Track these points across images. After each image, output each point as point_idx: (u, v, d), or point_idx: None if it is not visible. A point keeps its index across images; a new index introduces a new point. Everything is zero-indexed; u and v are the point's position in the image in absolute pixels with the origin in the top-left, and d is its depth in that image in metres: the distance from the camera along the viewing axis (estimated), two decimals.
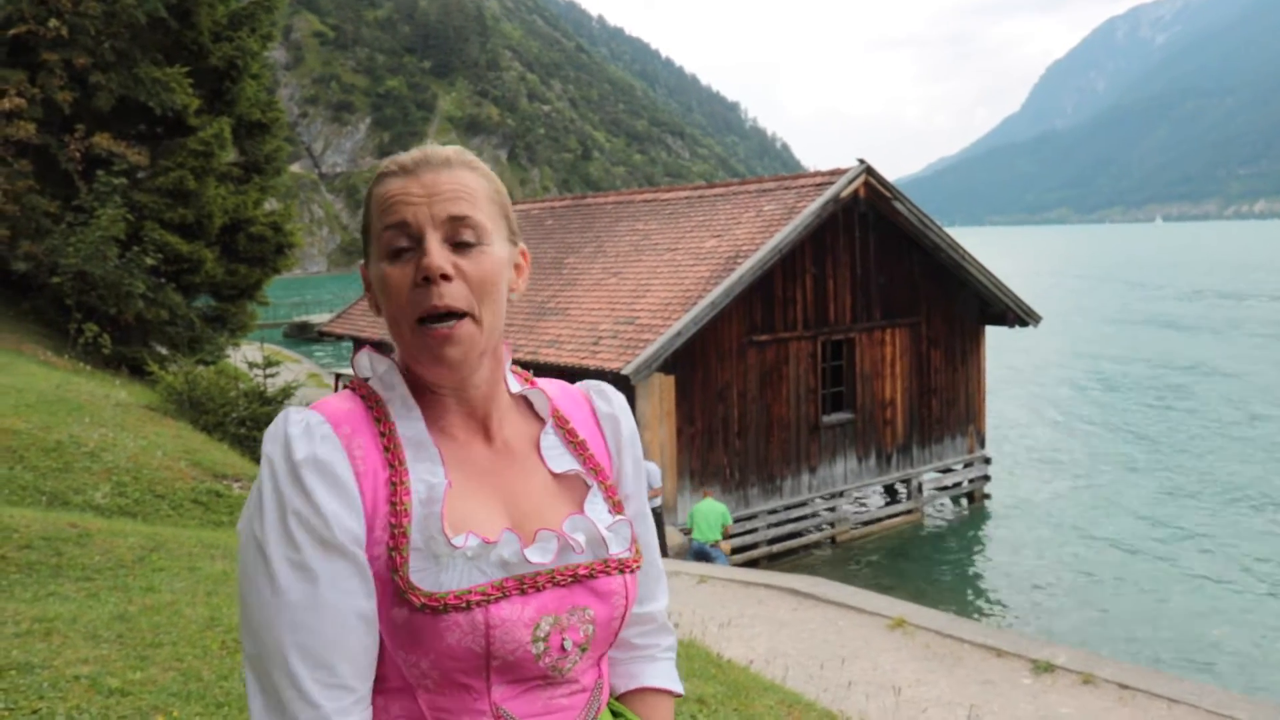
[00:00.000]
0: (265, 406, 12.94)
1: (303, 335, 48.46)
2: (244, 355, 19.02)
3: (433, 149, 1.40)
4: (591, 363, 15.71)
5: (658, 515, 14.49)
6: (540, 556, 1.36)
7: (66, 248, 15.96)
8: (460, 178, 1.38)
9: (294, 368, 32.47)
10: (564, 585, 1.36)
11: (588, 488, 1.49)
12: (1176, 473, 22.90)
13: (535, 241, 22.58)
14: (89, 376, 13.84)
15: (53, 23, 16.45)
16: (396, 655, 1.30)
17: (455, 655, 1.28)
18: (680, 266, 17.31)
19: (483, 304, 1.35)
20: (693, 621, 8.81)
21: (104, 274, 15.96)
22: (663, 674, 1.60)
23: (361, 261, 1.45)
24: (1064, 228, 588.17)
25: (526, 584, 1.33)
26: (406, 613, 1.28)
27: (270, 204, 22.96)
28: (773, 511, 16.98)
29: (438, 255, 1.32)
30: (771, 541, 16.96)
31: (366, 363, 1.43)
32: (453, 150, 1.42)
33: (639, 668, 1.59)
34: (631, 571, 1.45)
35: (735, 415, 16.54)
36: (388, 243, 1.35)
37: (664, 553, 14.46)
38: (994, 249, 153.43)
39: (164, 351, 18.08)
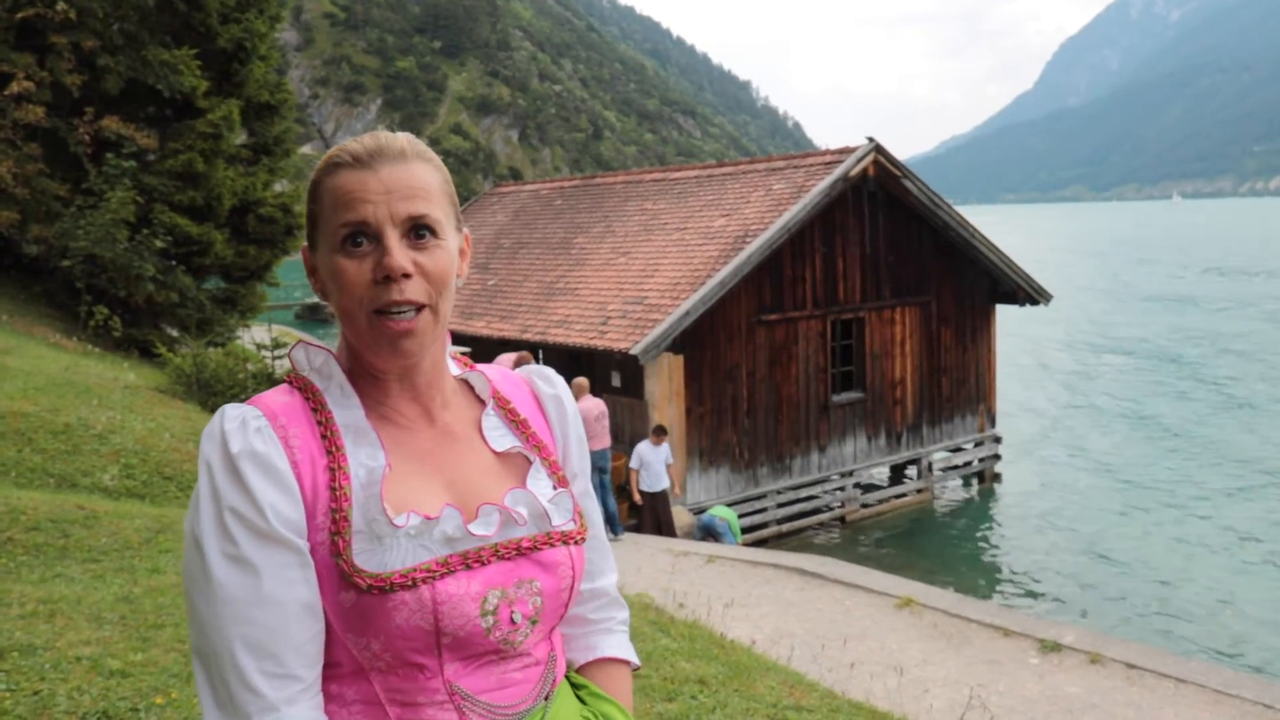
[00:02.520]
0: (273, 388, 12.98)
1: (314, 316, 48.54)
2: (252, 337, 19.05)
3: (386, 137, 1.41)
4: (600, 343, 15.71)
5: (665, 495, 14.50)
6: (483, 530, 1.38)
7: (76, 231, 15.97)
8: (417, 173, 1.39)
9: None
10: (508, 559, 1.39)
11: (530, 464, 1.51)
12: (1190, 452, 22.82)
13: (544, 222, 22.56)
14: (98, 359, 13.88)
15: (61, 5, 16.40)
16: (346, 639, 1.31)
17: (405, 635, 1.30)
18: (689, 246, 17.27)
19: (439, 296, 1.39)
20: (698, 601, 8.81)
21: (114, 257, 15.97)
22: (620, 645, 1.64)
23: (304, 245, 1.46)
24: (1077, 205, 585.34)
25: (471, 559, 1.35)
26: (354, 595, 1.29)
27: (280, 185, 22.97)
28: (782, 491, 16.98)
29: (399, 255, 1.34)
30: (781, 521, 16.96)
31: (303, 357, 1.46)
32: (405, 140, 1.43)
33: (596, 640, 1.63)
34: (576, 543, 1.48)
35: (744, 395, 16.53)
36: (344, 238, 1.36)
37: (672, 533, 14.47)
38: (1006, 227, 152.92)
39: (174, 334, 18.10)
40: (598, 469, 13.66)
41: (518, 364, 12.91)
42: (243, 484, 1.28)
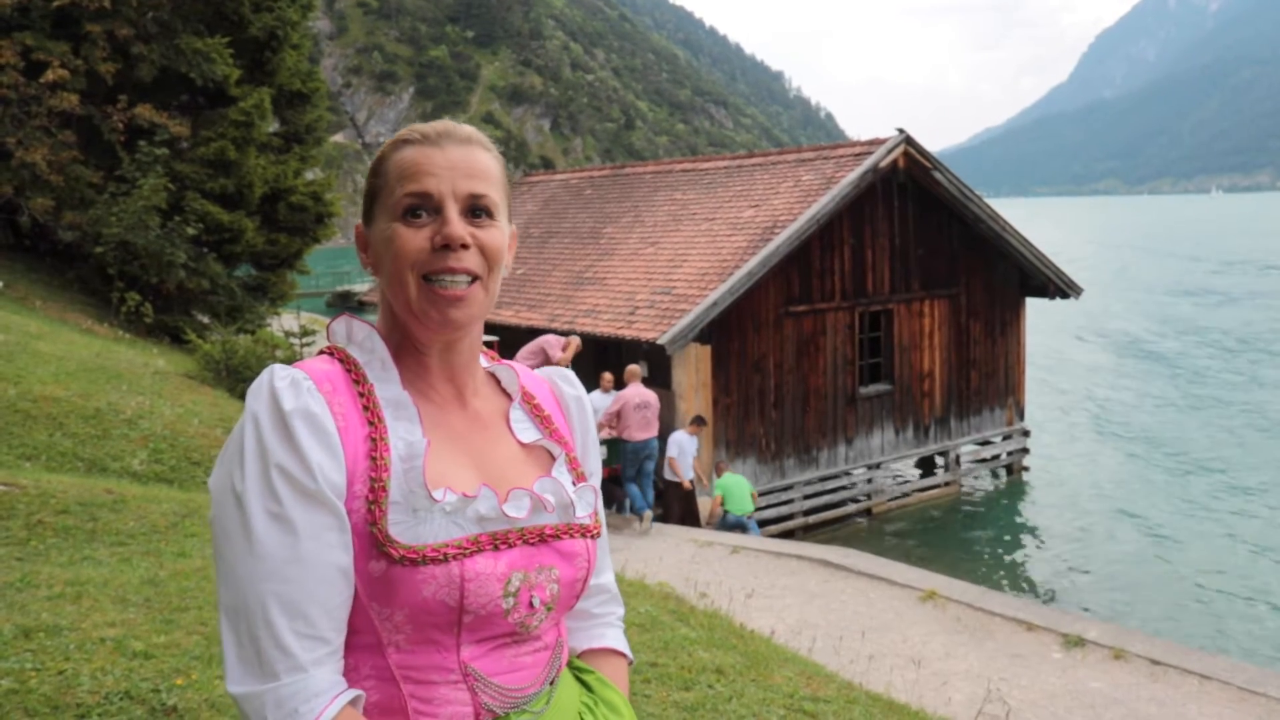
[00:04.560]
0: None
1: (345, 304, 48.84)
2: (282, 324, 19.17)
3: (454, 124, 1.48)
4: (628, 332, 15.73)
5: (692, 486, 14.49)
6: (515, 512, 1.42)
7: (109, 218, 16.11)
8: (480, 157, 1.46)
9: None
10: (533, 544, 1.42)
11: (553, 458, 1.56)
12: (1219, 448, 22.63)
13: (574, 211, 22.57)
14: (129, 345, 14.01)
15: None
16: (370, 608, 1.34)
17: (430, 609, 1.33)
18: (717, 236, 17.25)
19: (490, 272, 1.44)
20: (720, 592, 8.82)
21: (146, 244, 16.10)
22: (619, 639, 1.69)
23: (359, 223, 1.51)
24: (1111, 199, 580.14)
25: (499, 540, 1.38)
26: (384, 565, 1.32)
27: (311, 174, 23.07)
28: (809, 483, 16.96)
29: (459, 225, 1.40)
30: (807, 513, 16.94)
31: (343, 329, 1.49)
32: (471, 129, 1.49)
33: (599, 632, 1.68)
34: (593, 537, 1.52)
35: (772, 386, 16.51)
36: (405, 206, 1.41)
37: (697, 523, 14.48)
38: (1041, 220, 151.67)
39: (205, 321, 18.25)
40: (643, 457, 13.63)
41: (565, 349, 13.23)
42: (293, 442, 1.30)
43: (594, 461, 1.65)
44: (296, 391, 1.34)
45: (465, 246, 1.39)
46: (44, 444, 8.12)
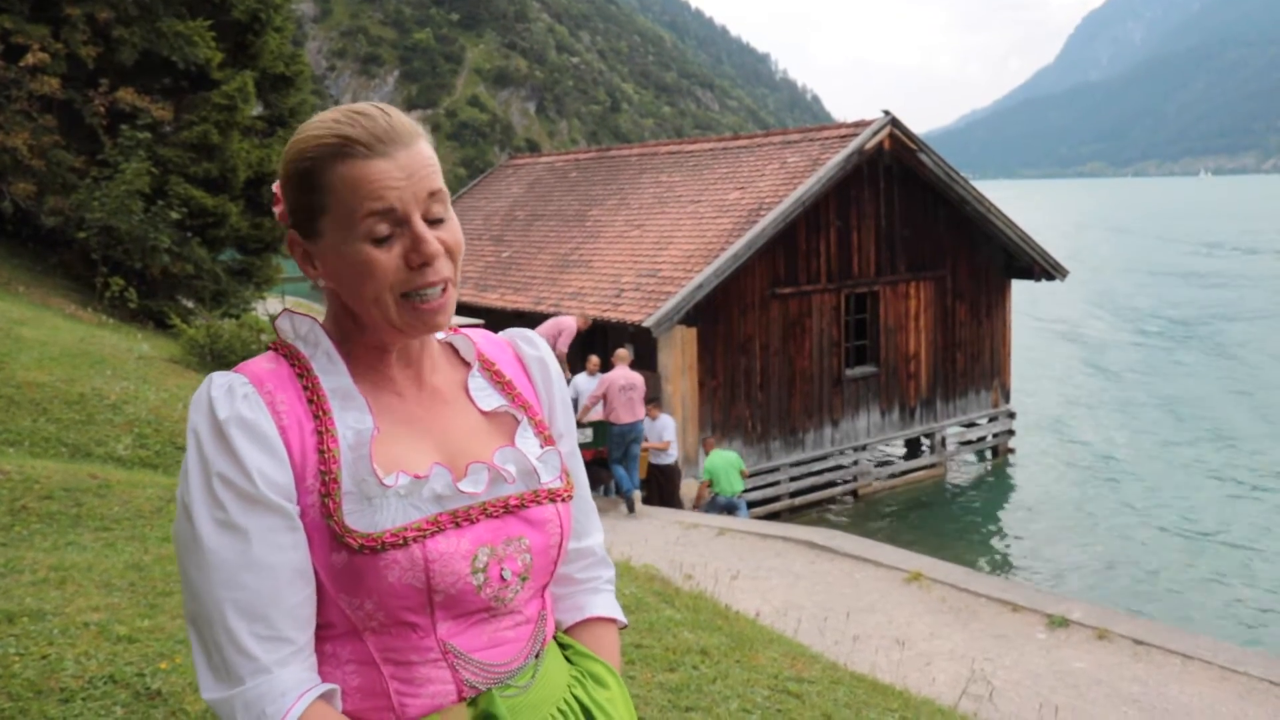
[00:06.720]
0: None
1: None
2: (267, 309, 19.10)
3: (382, 117, 1.38)
4: (614, 315, 15.73)
5: (674, 468, 14.50)
6: (472, 487, 1.40)
7: (92, 202, 16.00)
8: (426, 152, 1.39)
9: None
10: (497, 516, 1.41)
11: (517, 423, 1.53)
12: (1203, 430, 22.73)
13: (560, 194, 22.53)
14: (113, 330, 13.95)
15: None
16: (340, 599, 1.33)
17: (398, 593, 1.32)
18: (703, 219, 17.25)
19: (457, 267, 1.41)
20: (706, 573, 8.84)
21: (129, 228, 15.99)
22: (606, 604, 1.66)
23: (291, 232, 1.46)
24: (1096, 181, 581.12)
25: (460, 517, 1.37)
26: (346, 556, 1.31)
27: None
28: (795, 464, 17.01)
29: (433, 240, 1.36)
30: (793, 495, 17.00)
31: (288, 325, 1.47)
32: (403, 117, 1.41)
33: (583, 600, 1.65)
34: (563, 500, 1.50)
35: (757, 368, 16.54)
36: (371, 227, 1.35)
37: (679, 504, 14.50)
38: (1026, 203, 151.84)
39: (189, 305, 18.15)
40: (629, 440, 13.66)
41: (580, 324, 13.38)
42: (230, 450, 1.29)
43: (563, 421, 1.62)
44: (231, 399, 1.33)
45: (439, 256, 1.37)
46: (28, 429, 8.09)
